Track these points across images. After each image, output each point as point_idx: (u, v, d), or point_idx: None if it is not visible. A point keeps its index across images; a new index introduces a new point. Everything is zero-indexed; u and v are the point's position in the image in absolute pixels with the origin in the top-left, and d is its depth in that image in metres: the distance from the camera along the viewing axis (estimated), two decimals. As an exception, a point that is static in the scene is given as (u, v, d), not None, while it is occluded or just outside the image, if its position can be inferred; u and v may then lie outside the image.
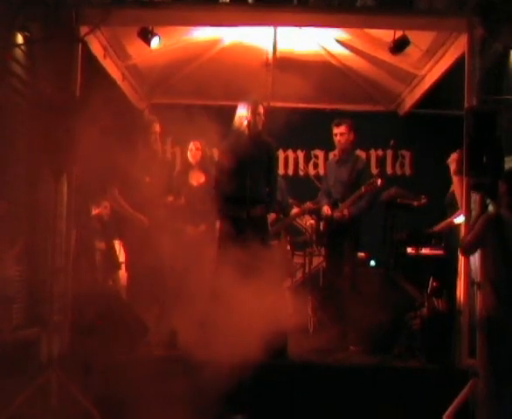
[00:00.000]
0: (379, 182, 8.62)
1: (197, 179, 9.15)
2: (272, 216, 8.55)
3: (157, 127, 8.83)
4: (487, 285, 6.72)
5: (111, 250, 9.55)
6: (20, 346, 7.44)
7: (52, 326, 7.24)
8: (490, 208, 7.41)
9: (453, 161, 8.50)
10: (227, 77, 9.93)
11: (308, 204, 9.62)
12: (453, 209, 8.64)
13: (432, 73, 9.41)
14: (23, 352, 7.32)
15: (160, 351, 7.73)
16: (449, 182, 8.97)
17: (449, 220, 9.03)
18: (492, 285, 6.62)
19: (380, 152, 11.91)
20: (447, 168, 8.94)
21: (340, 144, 9.07)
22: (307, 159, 12.01)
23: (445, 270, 8.46)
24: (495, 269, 6.63)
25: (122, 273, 9.40)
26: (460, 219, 8.12)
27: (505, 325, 6.41)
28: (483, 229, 6.68)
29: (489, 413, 6.46)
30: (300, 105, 11.14)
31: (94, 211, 9.52)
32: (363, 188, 8.62)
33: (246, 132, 8.12)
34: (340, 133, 9.00)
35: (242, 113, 8.17)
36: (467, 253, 7.23)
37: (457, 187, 8.13)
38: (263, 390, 6.98)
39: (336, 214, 8.79)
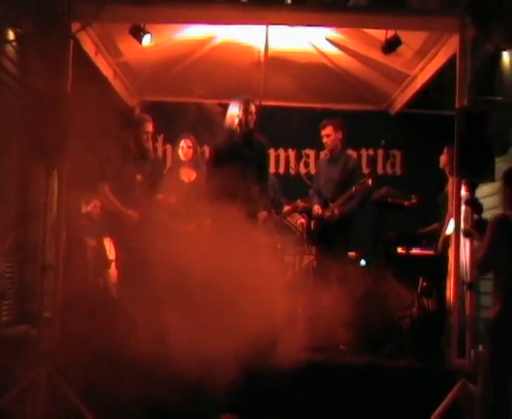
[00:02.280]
0: (370, 181, 8.65)
1: (188, 176, 9.13)
2: (263, 215, 8.55)
3: (150, 127, 8.78)
4: (493, 286, 6.60)
5: (101, 247, 9.53)
6: (10, 343, 7.43)
7: (42, 323, 7.22)
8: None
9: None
10: (219, 75, 9.94)
11: (300, 203, 9.63)
12: (445, 208, 8.68)
13: (424, 73, 9.43)
14: (12, 348, 7.30)
15: (149, 348, 7.72)
16: (440, 181, 9.01)
17: (436, 225, 9.08)
18: (498, 287, 6.53)
19: (371, 151, 11.90)
20: (438, 167, 9.01)
21: (327, 145, 9.14)
22: (298, 158, 11.99)
23: (435, 270, 8.48)
24: (502, 271, 6.52)
25: (112, 271, 9.38)
26: (450, 229, 8.13)
27: (509, 325, 6.34)
28: (496, 232, 6.52)
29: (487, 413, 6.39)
30: (292, 104, 11.18)
31: (84, 209, 9.49)
32: (353, 188, 8.65)
33: (238, 130, 8.14)
34: (326, 134, 9.06)
35: (234, 111, 8.17)
36: (485, 268, 6.98)
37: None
38: (252, 389, 6.96)
39: (327, 213, 8.82)
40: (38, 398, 6.94)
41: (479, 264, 6.72)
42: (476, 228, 6.86)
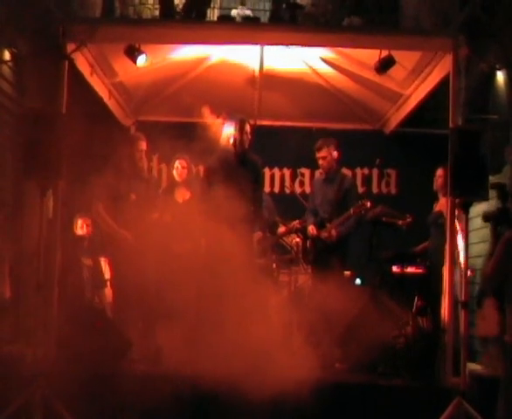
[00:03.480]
0: (368, 204, 8.64)
1: (182, 196, 9.11)
2: (258, 235, 8.53)
3: (143, 145, 8.81)
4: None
5: (97, 266, 9.52)
6: (4, 362, 7.40)
7: (37, 342, 7.19)
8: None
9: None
10: (214, 95, 9.95)
11: (295, 223, 9.60)
12: (436, 228, 8.68)
13: (418, 92, 9.46)
14: (7, 367, 7.27)
15: (144, 367, 7.71)
16: (435, 200, 9.02)
17: (427, 243, 9.09)
18: None
19: (366, 170, 11.90)
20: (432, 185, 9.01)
21: (323, 167, 9.10)
22: (293, 177, 11.98)
23: (429, 289, 8.47)
24: None
25: (108, 290, 9.37)
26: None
27: None
28: (505, 251, 6.43)
29: None
30: (287, 123, 11.19)
31: (77, 233, 9.46)
32: (351, 210, 8.62)
33: (233, 150, 8.17)
34: (321, 157, 9.02)
35: (229, 131, 8.20)
36: (492, 283, 6.89)
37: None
38: (246, 407, 6.93)
39: (324, 234, 8.79)
40: (33, 418, 6.90)
41: (488, 280, 6.64)
42: (498, 213, 6.77)
